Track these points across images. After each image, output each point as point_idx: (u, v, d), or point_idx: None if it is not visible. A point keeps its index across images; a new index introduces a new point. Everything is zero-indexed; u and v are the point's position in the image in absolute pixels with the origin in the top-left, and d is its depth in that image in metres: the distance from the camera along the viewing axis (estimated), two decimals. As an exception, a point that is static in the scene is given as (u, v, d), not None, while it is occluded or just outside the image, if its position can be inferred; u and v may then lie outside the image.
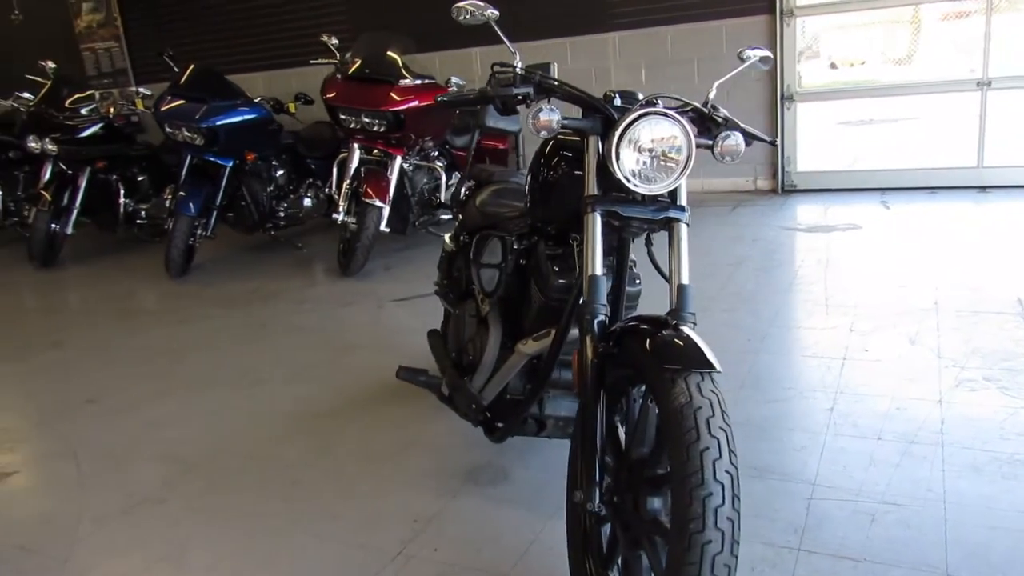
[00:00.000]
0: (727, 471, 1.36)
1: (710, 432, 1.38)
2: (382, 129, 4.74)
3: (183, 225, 5.07)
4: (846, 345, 3.16)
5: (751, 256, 4.57)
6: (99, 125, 6.01)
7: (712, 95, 2.04)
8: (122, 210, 6.16)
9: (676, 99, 1.95)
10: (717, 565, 1.32)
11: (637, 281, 2.08)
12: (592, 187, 1.80)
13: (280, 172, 5.76)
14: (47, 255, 5.94)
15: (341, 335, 3.94)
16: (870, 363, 3.00)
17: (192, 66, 5.26)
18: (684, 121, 1.75)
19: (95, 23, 8.49)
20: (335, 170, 5.08)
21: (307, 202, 5.84)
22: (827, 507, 2.12)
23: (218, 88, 5.27)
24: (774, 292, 3.94)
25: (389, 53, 4.88)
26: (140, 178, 6.39)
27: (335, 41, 5.25)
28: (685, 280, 1.78)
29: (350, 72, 4.83)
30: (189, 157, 5.22)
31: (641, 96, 1.91)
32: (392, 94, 4.68)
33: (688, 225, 1.84)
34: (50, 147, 5.78)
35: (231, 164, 5.25)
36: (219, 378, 3.49)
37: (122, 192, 6.15)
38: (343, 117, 4.81)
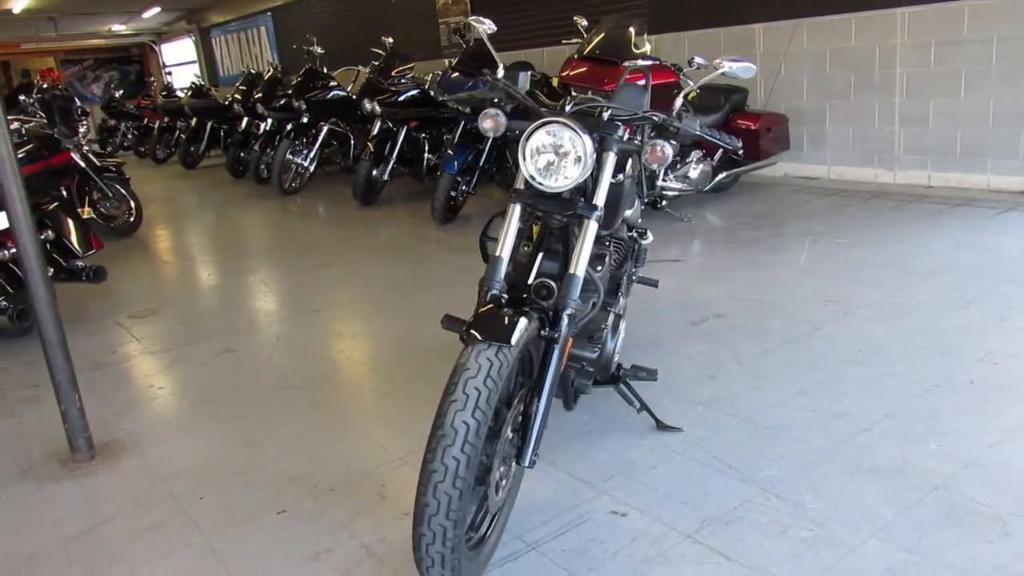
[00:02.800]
0: (465, 421, 1.67)
1: (463, 389, 1.70)
2: (603, 107, 5.10)
3: (445, 181, 6.00)
4: None
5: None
6: (414, 91, 7.22)
7: (678, 105, 2.18)
8: (426, 164, 7.37)
9: (630, 112, 2.14)
10: (439, 492, 1.66)
11: (599, 268, 2.32)
12: (520, 182, 2.11)
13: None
14: (367, 195, 7.37)
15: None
16: None
17: (466, 44, 6.09)
18: (578, 129, 1.97)
19: (450, 0, 9.92)
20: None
21: (694, 173, 5.71)
22: (753, 510, 2.17)
23: (489, 64, 6.04)
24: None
25: (621, 34, 5.19)
26: (446, 137, 7.54)
27: (584, 22, 5.68)
28: (576, 271, 2.03)
29: (584, 52, 5.24)
30: (463, 122, 6.12)
31: (595, 104, 2.15)
32: (612, 74, 5.00)
33: (596, 222, 2.06)
34: (377, 108, 7.15)
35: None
36: (407, 303, 4.30)
37: (427, 148, 7.35)
38: (574, 95, 5.25)
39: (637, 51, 5.13)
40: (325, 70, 8.53)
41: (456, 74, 6.03)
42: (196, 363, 3.76)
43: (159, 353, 3.94)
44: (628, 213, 2.91)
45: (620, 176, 2.19)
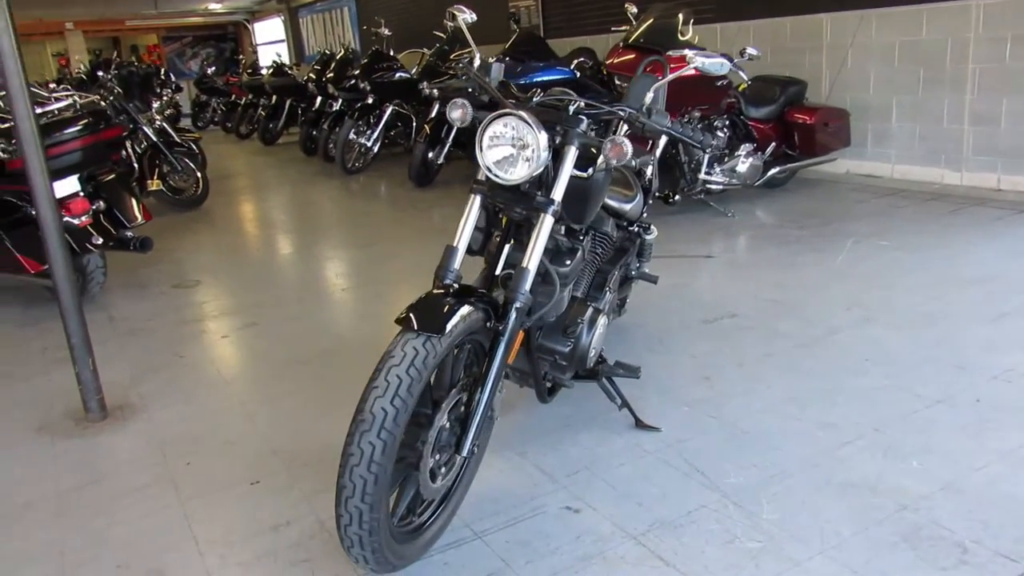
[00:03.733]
0: (383, 408, 1.70)
1: (385, 376, 1.73)
2: (648, 96, 5.02)
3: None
4: None
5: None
6: (471, 75, 7.24)
7: (648, 99, 2.14)
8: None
9: (596, 106, 2.12)
10: (355, 475, 1.70)
11: (567, 262, 2.30)
12: (480, 173, 2.12)
13: (722, 132, 5.47)
14: (422, 177, 7.48)
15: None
16: None
17: (518, 30, 6.08)
18: (531, 123, 1.96)
19: (521, -16, 9.90)
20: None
21: (742, 167, 5.51)
22: (706, 517, 2.14)
23: (537, 50, 6.04)
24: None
25: (668, 23, 5.08)
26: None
27: (634, 10, 5.58)
28: (528, 265, 2.03)
29: (629, 41, 5.16)
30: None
31: (569, 99, 2.13)
32: (654, 63, 4.90)
33: (552, 216, 2.05)
34: (435, 91, 7.23)
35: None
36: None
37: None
38: (618, 83, 5.20)
39: (683, 40, 5.01)
40: (392, 52, 8.66)
41: (507, 59, 6.03)
42: (220, 334, 3.93)
43: (190, 323, 4.13)
44: (628, 207, 2.88)
45: (591, 170, 2.16)
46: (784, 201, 5.86)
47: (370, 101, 8.43)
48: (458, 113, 2.15)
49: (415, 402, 1.75)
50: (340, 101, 9.30)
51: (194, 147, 7.66)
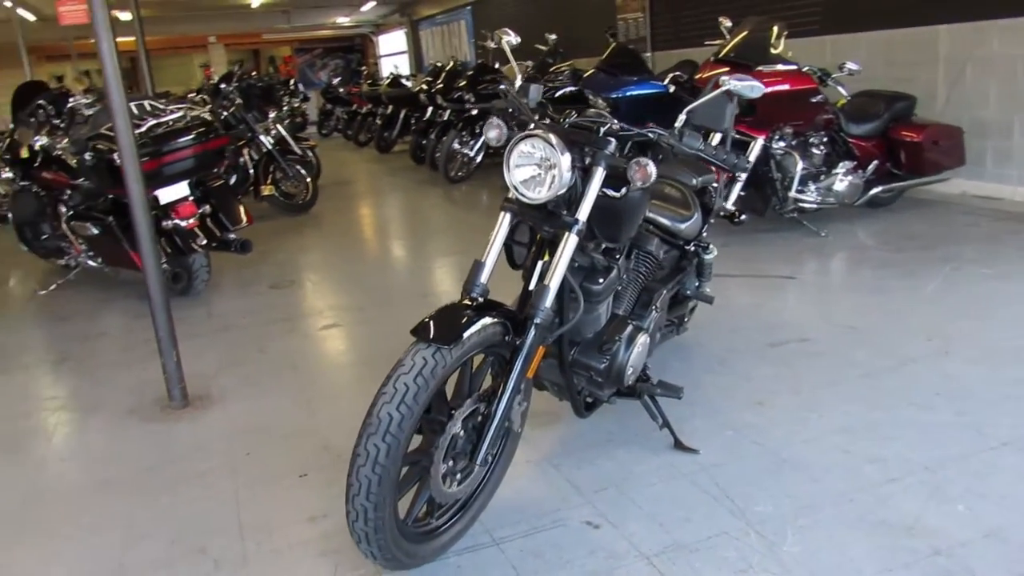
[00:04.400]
0: (389, 413, 1.79)
1: (394, 383, 1.82)
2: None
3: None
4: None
5: None
6: (570, 88, 7.32)
7: (680, 121, 2.15)
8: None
9: (627, 128, 2.14)
10: (360, 475, 1.79)
11: (600, 281, 2.32)
12: (511, 192, 2.18)
13: (818, 149, 5.25)
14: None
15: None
16: None
17: (613, 44, 6.10)
18: (555, 143, 2.01)
19: (630, -4, 9.89)
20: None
21: (840, 185, 5.24)
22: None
23: (631, 64, 6.03)
24: None
25: (761, 37, 4.97)
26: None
27: (728, 23, 5.48)
28: (548, 282, 2.07)
29: (720, 55, 5.09)
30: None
31: (598, 121, 2.17)
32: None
33: (577, 236, 2.09)
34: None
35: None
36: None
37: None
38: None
39: (775, 54, 4.89)
40: (497, 65, 8.84)
41: (600, 73, 6.06)
42: (302, 334, 4.16)
43: (278, 322, 4.39)
44: (683, 226, 2.87)
45: (624, 190, 2.18)
46: (886, 222, 5.60)
47: (474, 113, 8.64)
48: (494, 133, 2.23)
49: (421, 409, 1.83)
50: (448, 112, 9.58)
51: (310, 155, 8.10)
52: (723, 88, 2.19)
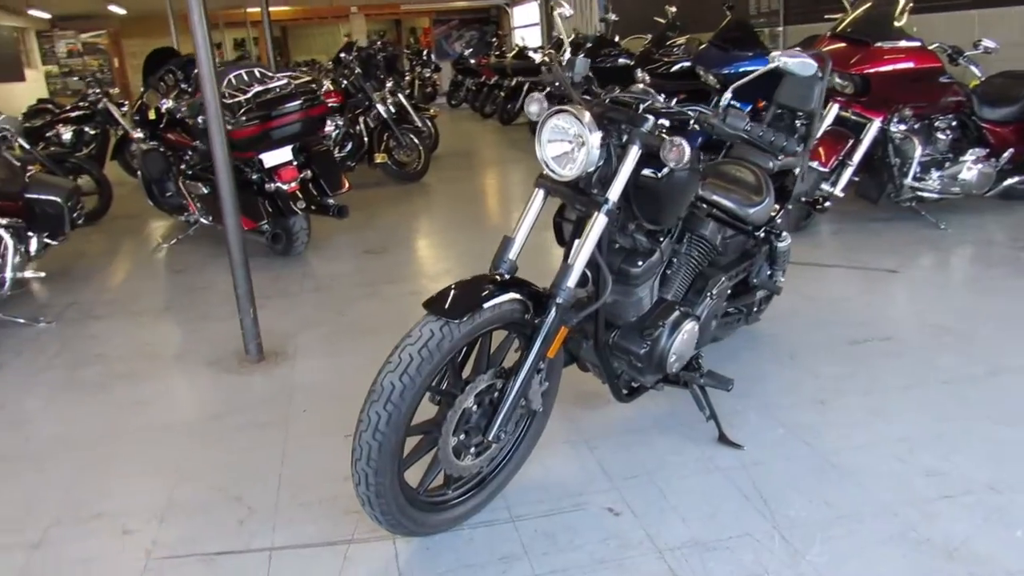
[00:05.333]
0: (392, 382, 1.81)
1: (399, 353, 1.83)
2: (848, 90, 4.63)
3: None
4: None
5: None
6: (686, 63, 7.07)
7: (727, 98, 2.03)
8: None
9: (669, 106, 2.05)
10: (362, 440, 1.83)
11: (639, 263, 2.25)
12: (544, 168, 2.14)
13: (944, 134, 4.86)
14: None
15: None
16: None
17: (728, 18, 5.82)
18: (583, 120, 1.95)
19: (764, -32, 9.38)
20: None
21: (968, 174, 4.83)
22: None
23: (745, 39, 5.74)
24: None
25: (883, 11, 4.60)
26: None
27: (858, -7, 5.10)
28: (575, 262, 2.03)
29: (837, 30, 4.76)
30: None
31: (632, 96, 2.09)
32: (859, 55, 4.49)
33: (606, 216, 2.02)
34: (647, 78, 7.16)
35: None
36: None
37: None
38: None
39: (897, 29, 4.52)
40: (617, 38, 8.67)
41: (712, 47, 5.82)
42: (383, 298, 4.28)
43: (364, 286, 4.53)
44: (750, 211, 2.72)
45: (666, 170, 2.08)
46: (1020, 217, 5.10)
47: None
48: (535, 107, 2.19)
49: (425, 380, 1.84)
50: (566, 85, 9.48)
51: (429, 124, 8.24)
52: (772, 64, 2.05)
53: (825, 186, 4.69)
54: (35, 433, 2.94)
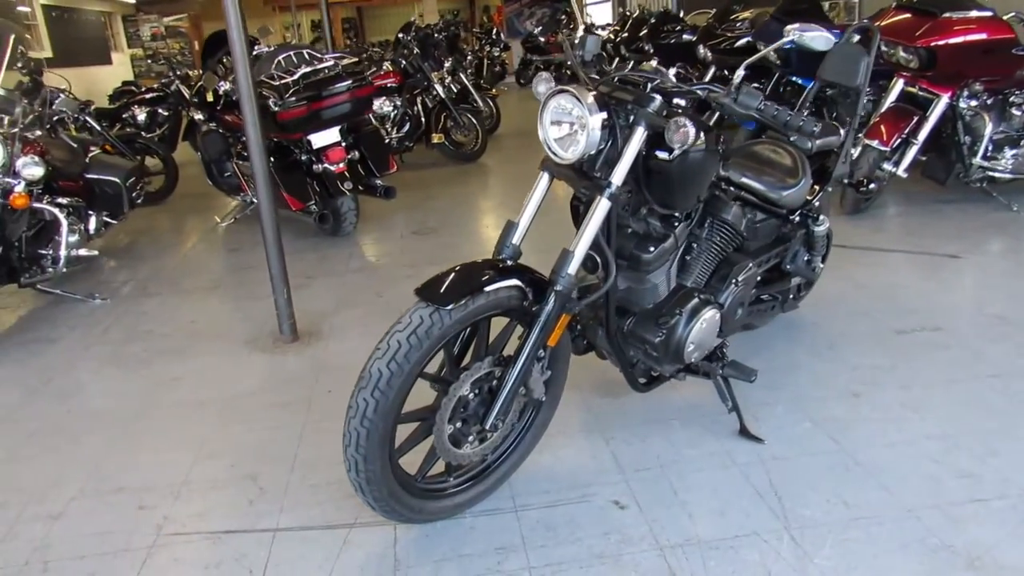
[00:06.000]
0: (379, 369, 1.78)
1: (388, 339, 1.81)
2: (913, 64, 4.36)
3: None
4: None
5: None
6: (747, 39, 6.81)
7: (738, 76, 1.92)
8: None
9: (679, 85, 1.96)
10: (351, 427, 1.82)
11: (651, 249, 2.17)
12: (548, 151, 2.07)
13: (1019, 110, 4.54)
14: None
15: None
16: None
17: (788, -10, 5.57)
18: (582, 100, 1.87)
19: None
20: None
21: None
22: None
23: (809, 12, 5.48)
24: None
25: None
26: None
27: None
28: (575, 248, 1.96)
29: (903, 0, 4.49)
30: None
31: (640, 76, 2.00)
32: (925, 27, 4.22)
33: (609, 200, 1.95)
34: (709, 54, 6.94)
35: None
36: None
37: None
38: (884, 49, 4.56)
39: (967, 3, 4.23)
40: (681, 13, 8.42)
41: (773, 21, 5.58)
42: (421, 280, 4.26)
43: (404, 267, 4.55)
44: (784, 194, 2.59)
45: (678, 151, 1.99)
46: (1105, 199, 4.74)
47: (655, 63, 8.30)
48: (543, 87, 2.11)
49: (414, 368, 1.82)
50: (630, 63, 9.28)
51: (491, 104, 8.17)
52: (787, 38, 1.92)
53: (887, 166, 4.46)
54: (77, 406, 3.05)
